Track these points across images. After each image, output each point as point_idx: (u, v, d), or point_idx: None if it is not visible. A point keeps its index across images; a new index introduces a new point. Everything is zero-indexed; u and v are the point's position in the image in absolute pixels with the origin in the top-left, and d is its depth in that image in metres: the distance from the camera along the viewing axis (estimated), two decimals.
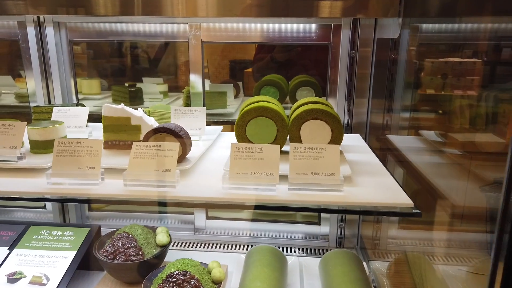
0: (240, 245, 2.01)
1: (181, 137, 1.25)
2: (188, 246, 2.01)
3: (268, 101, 1.48)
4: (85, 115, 1.59)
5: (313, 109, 1.32)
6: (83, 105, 1.71)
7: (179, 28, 1.94)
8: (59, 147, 1.16)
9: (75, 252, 1.59)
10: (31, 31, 1.87)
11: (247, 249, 1.98)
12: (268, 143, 1.36)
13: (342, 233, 1.97)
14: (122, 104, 1.42)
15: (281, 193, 1.09)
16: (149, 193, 1.11)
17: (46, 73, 1.93)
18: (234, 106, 2.27)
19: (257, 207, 1.09)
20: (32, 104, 2.00)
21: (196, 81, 1.95)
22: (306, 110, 1.33)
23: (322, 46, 2.24)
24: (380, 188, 1.13)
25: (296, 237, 2.04)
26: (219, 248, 2.00)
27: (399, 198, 1.06)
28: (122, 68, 2.85)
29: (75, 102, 2.05)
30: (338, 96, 1.85)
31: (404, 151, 1.56)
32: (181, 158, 1.27)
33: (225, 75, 2.77)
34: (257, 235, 2.07)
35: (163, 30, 1.93)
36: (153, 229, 1.68)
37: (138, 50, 2.82)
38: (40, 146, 1.37)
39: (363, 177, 1.21)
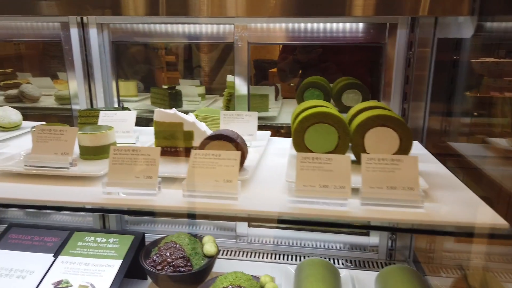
0: (283, 255, 1.92)
1: (239, 145, 1.18)
2: (229, 255, 1.94)
3: (325, 106, 1.39)
4: (132, 119, 1.54)
5: (379, 115, 1.22)
6: (128, 109, 1.66)
7: (222, 29, 1.87)
8: (115, 155, 1.10)
9: (121, 260, 1.54)
10: (74, 32, 1.84)
11: (291, 259, 1.90)
12: (328, 152, 1.27)
13: (393, 245, 1.86)
14: (173, 109, 1.36)
15: (354, 209, 1.00)
16: (210, 206, 1.04)
17: (88, 75, 1.90)
18: (276, 109, 2.18)
19: (327, 224, 1.00)
20: (74, 107, 1.97)
21: (240, 83, 1.87)
22: (372, 116, 1.23)
23: (367, 47, 2.13)
24: (462, 204, 1.03)
25: (343, 248, 1.95)
26: (262, 257, 1.92)
27: (489, 216, 0.95)
28: (160, 69, 2.81)
29: (116, 105, 2.01)
30: (392, 100, 1.74)
31: (472, 160, 1.45)
32: (239, 167, 1.19)
33: (262, 77, 2.69)
34: (301, 244, 1.98)
35: (207, 31, 1.87)
36: (199, 238, 1.61)
37: (174, 52, 2.78)
38: (91, 152, 1.32)
39: (439, 191, 1.11)
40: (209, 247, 1.52)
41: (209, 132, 1.36)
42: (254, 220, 1.23)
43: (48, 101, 2.33)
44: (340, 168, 1.03)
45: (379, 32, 1.73)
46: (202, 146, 1.19)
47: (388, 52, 1.73)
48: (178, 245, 1.49)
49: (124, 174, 1.09)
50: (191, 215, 1.11)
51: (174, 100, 2.24)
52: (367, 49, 2.16)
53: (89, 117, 1.61)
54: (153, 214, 1.11)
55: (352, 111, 1.44)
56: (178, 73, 2.76)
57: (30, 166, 1.23)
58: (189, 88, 2.36)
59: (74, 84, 1.93)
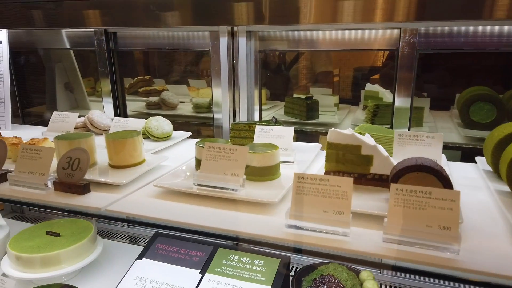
0: None
1: (444, 178, 0.96)
2: None
3: None
4: (290, 136, 1.41)
5: None
6: (280, 124, 1.54)
7: (372, 34, 1.67)
8: (299, 183, 0.97)
9: (269, 287, 1.43)
10: (223, 41, 1.79)
11: None
12: None
13: None
14: (349, 128, 1.19)
15: None
16: (422, 257, 0.84)
17: (234, 84, 1.84)
18: (430, 125, 1.90)
19: None
20: (216, 116, 1.94)
21: (402, 95, 1.63)
22: None
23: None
24: None
25: None
26: None
27: None
28: (293, 78, 2.69)
29: (257, 114, 1.92)
30: None
31: None
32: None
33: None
34: None
35: (368, 37, 1.67)
36: (355, 272, 1.43)
37: (308, 60, 2.63)
38: (256, 173, 1.22)
39: None
40: (371, 286, 1.33)
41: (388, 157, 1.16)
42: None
43: (185, 109, 2.36)
44: None
45: None
46: (395, 178, 0.99)
47: None
48: (337, 281, 1.32)
49: (309, 206, 0.95)
50: (395, 267, 0.92)
51: (311, 110, 2.09)
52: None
53: (242, 131, 1.53)
54: (349, 261, 0.95)
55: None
56: (309, 81, 2.62)
57: (199, 185, 1.17)
58: (325, 98, 2.19)
59: (218, 93, 1.89)
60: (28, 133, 1.91)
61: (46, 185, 1.19)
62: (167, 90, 2.51)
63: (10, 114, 1.96)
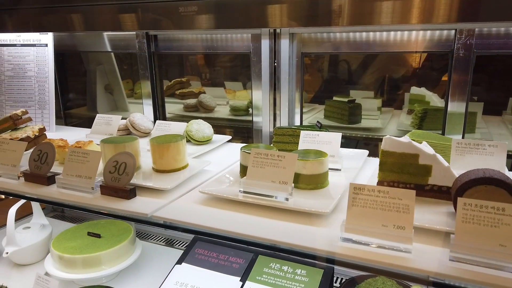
0: None
1: None
2: None
3: None
4: (338, 141, 1.35)
5: None
6: (326, 129, 1.49)
7: (419, 35, 1.58)
8: (356, 195, 0.91)
9: None
10: (265, 43, 1.75)
11: None
12: None
13: None
14: (406, 136, 1.12)
15: None
16: (494, 280, 0.77)
17: (275, 88, 1.80)
18: (483, 131, 1.78)
19: None
20: (255, 119, 1.91)
21: (456, 99, 1.54)
22: None
23: None
24: None
25: None
26: None
27: None
28: (332, 80, 2.62)
29: (298, 118, 1.87)
30: None
31: None
32: None
33: None
34: None
35: (419, 38, 1.59)
36: (405, 286, 1.35)
37: (348, 62, 2.55)
38: (304, 181, 1.17)
39: None
40: None
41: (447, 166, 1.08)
42: None
43: (222, 112, 2.34)
44: None
45: None
46: (460, 191, 0.92)
47: None
48: None
49: (367, 220, 0.90)
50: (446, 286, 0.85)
51: (353, 114, 2.02)
52: None
53: (285, 136, 1.49)
54: (407, 278, 0.89)
55: None
56: (350, 84, 2.54)
57: (245, 192, 1.13)
58: (367, 101, 2.11)
59: (258, 96, 1.86)
60: (71, 134, 1.94)
61: (93, 188, 1.19)
62: (204, 93, 2.50)
63: (54, 115, 2.00)
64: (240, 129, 2.17)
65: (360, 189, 0.91)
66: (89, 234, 1.78)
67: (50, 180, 1.28)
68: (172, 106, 2.40)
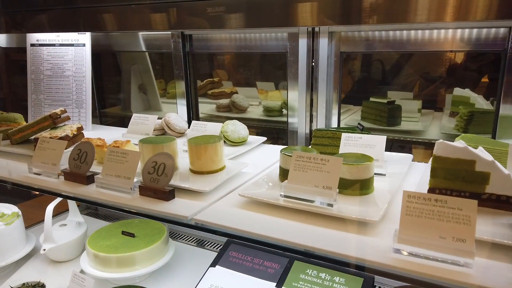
0: None
1: None
2: None
3: None
4: (382, 145, 1.29)
5: None
6: (368, 131, 1.43)
7: (465, 33, 1.49)
8: (410, 203, 0.85)
9: None
10: (303, 42, 1.70)
11: None
12: None
13: None
14: (460, 140, 1.04)
15: None
16: None
17: (312, 88, 1.75)
18: None
19: None
20: (290, 120, 1.86)
21: (510, 101, 1.44)
22: None
23: None
24: None
25: None
26: None
27: None
28: (368, 81, 2.54)
29: (335, 119, 1.81)
30: None
31: None
32: None
33: None
34: None
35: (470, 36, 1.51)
36: None
37: (386, 61, 2.47)
38: (348, 186, 1.11)
39: None
40: None
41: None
42: None
43: (255, 112, 2.31)
44: None
45: None
46: None
47: None
48: None
49: (422, 230, 0.83)
50: None
51: (393, 116, 1.94)
52: None
53: (324, 138, 1.44)
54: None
55: None
56: (387, 84, 2.46)
57: (286, 196, 1.09)
58: (407, 103, 2.02)
59: (294, 96, 1.81)
60: (106, 133, 1.96)
61: (131, 189, 1.18)
62: (236, 93, 2.47)
63: (90, 114, 2.02)
64: (273, 130, 2.13)
65: (415, 197, 0.85)
66: (123, 233, 1.79)
67: (89, 179, 1.28)
68: (205, 106, 2.38)
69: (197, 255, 1.98)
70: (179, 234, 2.19)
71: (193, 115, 2.20)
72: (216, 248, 2.06)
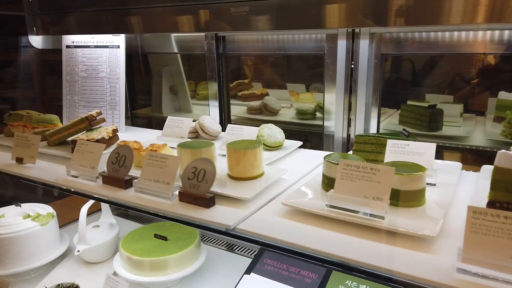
0: None
1: None
2: None
3: None
4: (432, 153, 1.22)
5: None
6: (413, 138, 1.35)
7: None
8: (476, 220, 0.79)
9: None
10: (341, 44, 1.65)
11: None
12: None
13: None
14: None
15: None
16: None
17: (350, 91, 1.69)
18: None
19: None
20: (326, 123, 1.80)
21: None
22: None
23: None
24: None
25: None
26: None
27: None
28: (406, 83, 2.46)
29: (373, 125, 1.74)
30: None
31: None
32: None
33: None
34: None
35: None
36: None
37: (425, 63, 2.37)
38: (399, 197, 1.05)
39: None
40: None
41: None
42: None
43: (287, 115, 2.26)
44: None
45: None
46: None
47: None
48: None
49: (490, 250, 0.77)
50: None
51: (434, 121, 1.85)
52: None
53: (367, 144, 1.37)
54: None
55: None
56: (425, 87, 2.36)
57: (331, 206, 1.04)
58: (448, 107, 1.93)
59: (330, 99, 1.75)
60: (140, 135, 1.95)
61: (171, 194, 1.15)
62: (267, 95, 2.43)
63: (124, 116, 2.02)
64: (306, 134, 2.07)
65: (481, 213, 0.79)
66: (156, 236, 1.77)
67: (127, 183, 1.26)
68: (235, 108, 2.35)
69: (228, 260, 1.95)
70: (208, 237, 2.17)
71: (225, 117, 2.17)
72: (247, 253, 2.03)
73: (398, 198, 1.06)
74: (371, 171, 1.01)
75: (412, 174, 1.04)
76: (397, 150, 1.26)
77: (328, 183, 1.16)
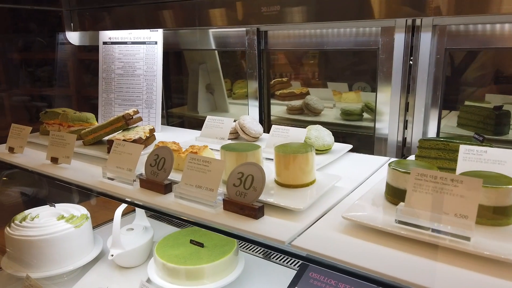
0: None
1: None
2: None
3: None
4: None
5: None
6: (489, 144, 1.18)
7: None
8: None
9: None
10: (399, 38, 1.48)
11: None
12: None
13: None
14: None
15: None
16: None
17: (408, 90, 1.52)
18: None
19: None
20: (378, 125, 1.64)
21: None
22: None
23: None
24: None
25: None
26: None
27: None
28: (464, 82, 2.25)
29: (432, 130, 1.57)
30: None
31: None
32: None
33: None
34: None
35: None
36: None
37: (487, 59, 2.16)
38: (483, 214, 0.89)
39: None
40: None
41: None
42: None
43: (330, 115, 2.11)
44: None
45: None
46: None
47: None
48: None
49: None
50: None
51: (501, 124, 1.65)
52: None
53: (433, 150, 1.21)
54: None
55: None
56: (481, 86, 2.15)
57: (402, 222, 0.89)
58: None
59: (383, 99, 1.59)
60: (176, 135, 1.86)
61: (215, 202, 1.04)
62: (306, 94, 2.29)
63: (160, 115, 1.94)
64: (352, 136, 1.91)
65: None
66: (191, 242, 1.67)
67: (167, 188, 1.16)
68: (274, 108, 2.23)
69: (268, 270, 1.82)
70: (244, 243, 2.05)
71: (264, 117, 2.05)
72: (285, 262, 1.89)
73: (481, 215, 0.89)
74: (451, 183, 0.85)
75: (501, 188, 0.87)
76: (472, 158, 1.09)
77: (394, 194, 1.01)
